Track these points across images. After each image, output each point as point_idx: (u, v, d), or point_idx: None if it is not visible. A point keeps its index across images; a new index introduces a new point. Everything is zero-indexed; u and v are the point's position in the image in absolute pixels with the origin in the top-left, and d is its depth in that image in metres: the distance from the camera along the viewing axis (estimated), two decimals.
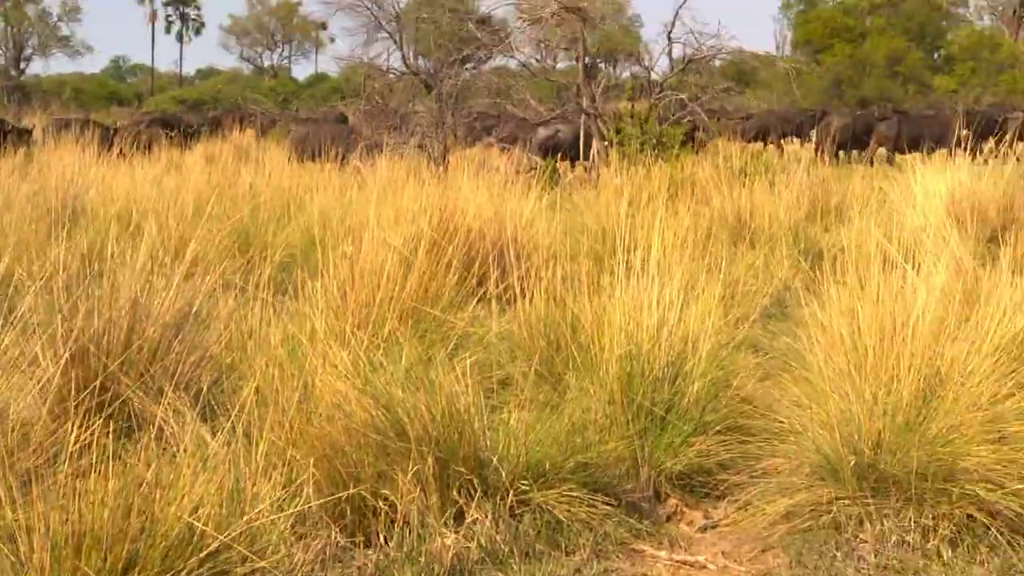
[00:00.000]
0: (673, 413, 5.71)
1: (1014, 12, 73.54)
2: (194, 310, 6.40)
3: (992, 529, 4.93)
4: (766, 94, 52.97)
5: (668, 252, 6.60)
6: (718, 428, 5.73)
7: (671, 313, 5.98)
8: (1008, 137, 20.56)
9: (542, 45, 23.59)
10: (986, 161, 14.47)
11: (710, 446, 5.67)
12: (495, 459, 5.06)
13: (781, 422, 5.64)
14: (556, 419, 5.41)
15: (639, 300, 6.08)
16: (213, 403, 5.53)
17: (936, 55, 60.39)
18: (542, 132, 22.95)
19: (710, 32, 22.02)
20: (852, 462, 5.10)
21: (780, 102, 48.79)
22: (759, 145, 31.05)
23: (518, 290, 7.08)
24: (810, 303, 6.38)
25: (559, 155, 22.81)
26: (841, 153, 28.76)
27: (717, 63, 25.72)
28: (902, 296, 6.03)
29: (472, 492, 4.97)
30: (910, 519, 5.00)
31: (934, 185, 13.01)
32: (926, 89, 52.91)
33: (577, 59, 22.64)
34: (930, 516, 4.98)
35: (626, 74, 40.73)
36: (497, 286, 7.52)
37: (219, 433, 4.78)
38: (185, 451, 4.49)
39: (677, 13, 21.82)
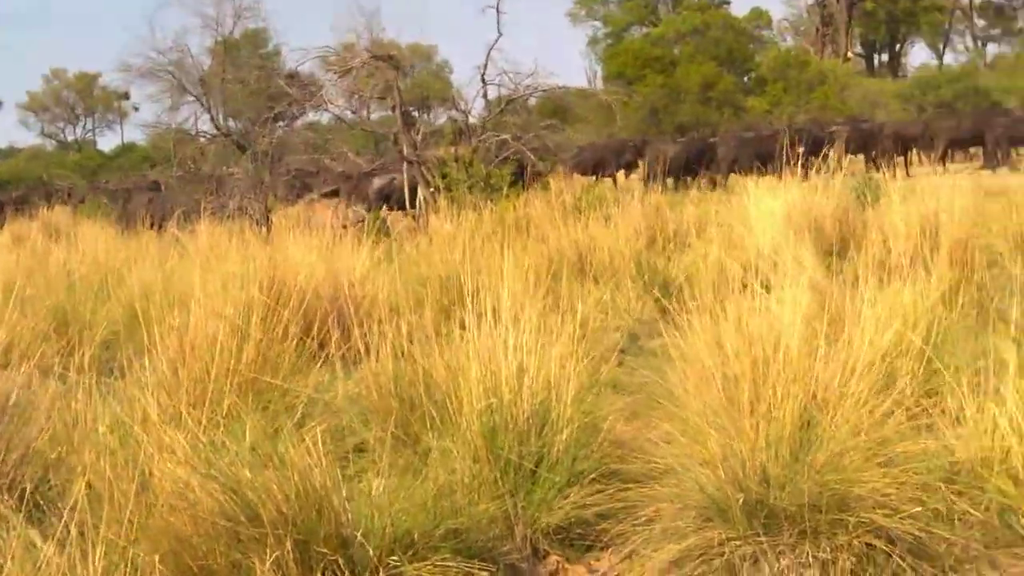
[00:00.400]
0: (543, 465, 5.34)
1: (817, 31, 75.68)
2: (11, 402, 5.85)
3: (894, 556, 4.65)
4: (585, 128, 53.31)
5: (515, 295, 6.26)
6: (592, 476, 5.38)
7: (530, 359, 5.62)
8: (834, 151, 20.77)
9: (355, 96, 23.22)
10: (818, 173, 14.41)
11: (586, 496, 5.31)
12: (359, 535, 4.62)
13: (659, 463, 5.31)
14: (420, 484, 5.01)
15: (494, 348, 5.71)
16: (41, 503, 5.02)
17: (747, 78, 61.50)
18: (377, 182, 22.56)
19: (525, 72, 21.96)
20: (740, 500, 4.78)
21: (599, 134, 49.10)
22: (589, 178, 31.05)
23: (362, 348, 6.68)
24: (668, 334, 6.10)
25: (390, 204, 22.46)
26: (671, 180, 28.91)
27: (532, 101, 25.71)
28: (766, 320, 5.78)
29: (339, 573, 4.53)
30: (807, 554, 4.69)
31: (770, 205, 12.94)
32: (740, 111, 53.74)
33: (393, 108, 22.29)
34: (828, 549, 4.68)
35: (442, 120, 40.58)
36: (340, 347, 7.09)
37: (51, 537, 4.27)
38: (13, 560, 3.99)
39: (488, 55, 21.72)
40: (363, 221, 18.36)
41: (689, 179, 29.48)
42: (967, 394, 5.33)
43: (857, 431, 4.88)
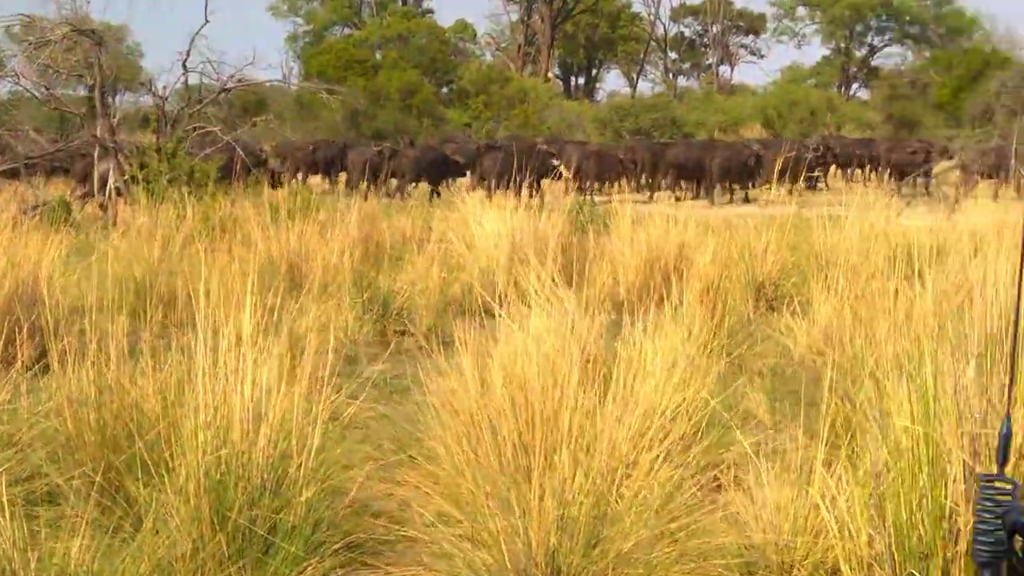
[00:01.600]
0: (279, 532, 4.46)
1: (519, 48, 76.31)
2: None
3: None
4: (279, 125, 51.92)
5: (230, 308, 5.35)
6: (337, 546, 4.53)
7: (269, 398, 4.74)
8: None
9: (50, 71, 21.51)
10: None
11: (329, 570, 4.47)
12: None
13: (421, 536, 4.51)
14: (131, 551, 4.06)
15: (219, 379, 4.80)
16: None
17: (448, 89, 61.37)
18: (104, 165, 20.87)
19: (229, 62, 20.84)
20: None
21: (294, 133, 47.90)
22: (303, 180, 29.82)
23: (55, 363, 5.64)
24: (411, 366, 5.36)
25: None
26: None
27: (229, 94, 24.53)
28: (525, 358, 5.11)
29: None
30: None
31: (495, 225, 12.33)
32: (440, 122, 53.46)
33: (92, 87, 20.75)
34: None
35: (129, 103, 38.55)
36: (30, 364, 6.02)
37: None
38: None
39: (193, 41, 20.53)
40: (42, 206, 16.88)
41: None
42: (762, 464, 4.76)
43: (653, 508, 4.22)
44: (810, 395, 5.98)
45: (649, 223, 11.81)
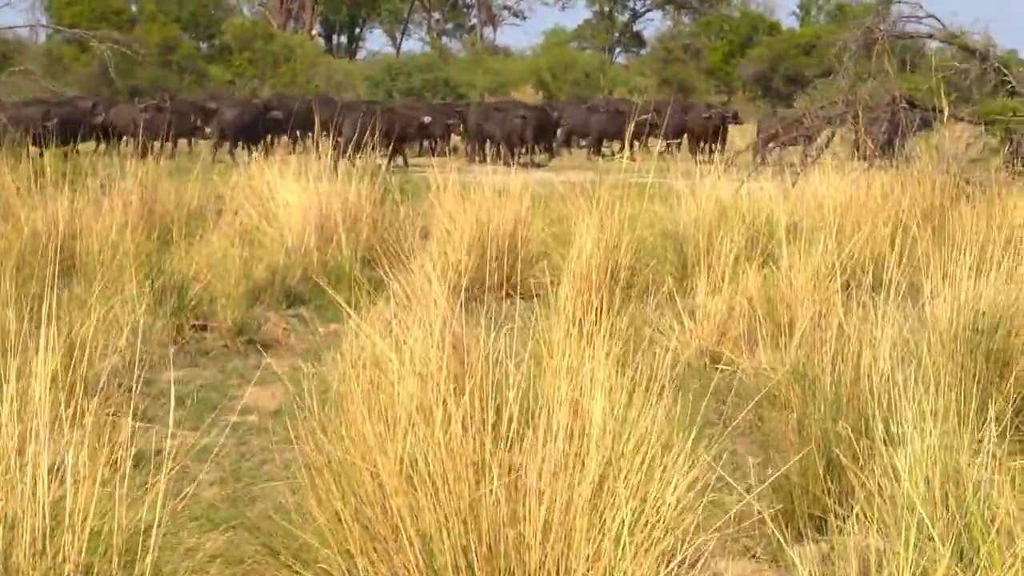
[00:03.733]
0: None
1: (281, 4, 73.63)
2: None
3: None
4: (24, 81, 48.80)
5: None
6: None
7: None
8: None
9: None
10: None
11: None
12: None
13: None
14: None
15: None
16: None
17: (209, 45, 58.69)
18: None
19: None
20: None
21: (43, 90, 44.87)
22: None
23: None
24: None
25: None
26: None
27: None
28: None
29: None
30: None
31: (298, 196, 10.77)
32: (202, 79, 50.97)
33: None
34: None
35: None
36: None
37: None
38: None
39: None
40: None
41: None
42: None
43: None
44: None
45: (475, 192, 10.42)
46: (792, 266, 8.49)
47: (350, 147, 13.08)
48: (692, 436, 4.19)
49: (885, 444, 4.36)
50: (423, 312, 5.09)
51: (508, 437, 3.78)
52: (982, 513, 3.98)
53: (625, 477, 3.65)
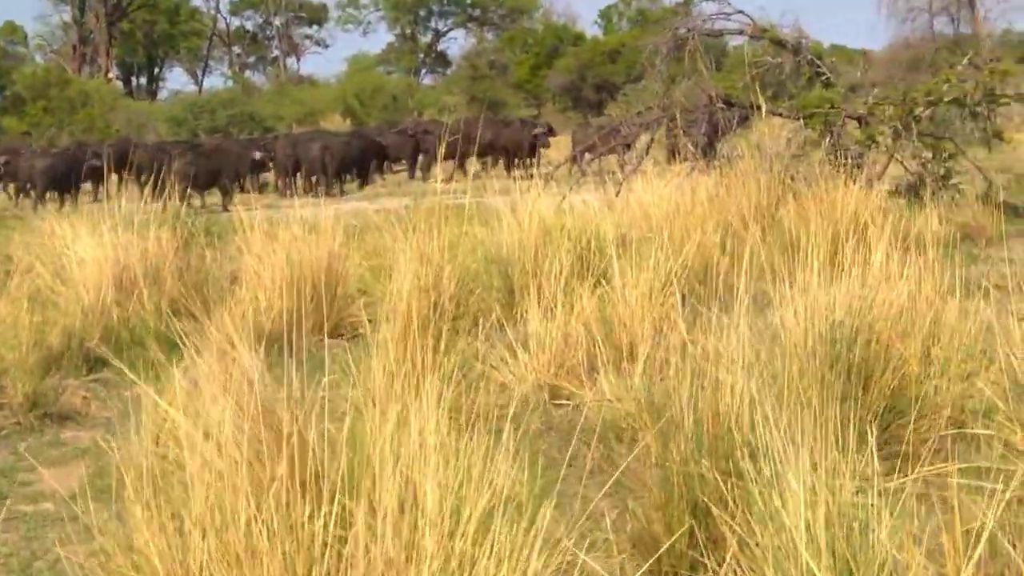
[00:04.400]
0: None
1: (75, 49, 71.56)
2: None
3: None
4: None
5: None
6: None
7: None
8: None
9: None
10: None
11: None
12: None
13: None
14: None
15: None
16: None
17: (2, 95, 56.64)
18: None
19: None
20: None
21: None
22: None
23: None
24: None
25: None
26: None
27: None
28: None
29: None
30: None
31: (92, 250, 9.96)
32: None
33: None
34: None
35: None
36: None
37: None
38: None
39: None
40: None
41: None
42: None
43: None
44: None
45: (284, 229, 9.73)
46: (625, 283, 8.06)
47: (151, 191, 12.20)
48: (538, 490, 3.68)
49: (755, 483, 3.87)
50: (226, 373, 4.47)
51: (329, 529, 3.17)
52: (869, 552, 3.54)
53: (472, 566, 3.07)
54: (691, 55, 13.12)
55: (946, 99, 12.45)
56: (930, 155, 12.39)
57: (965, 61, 13.53)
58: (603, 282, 8.69)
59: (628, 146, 13.32)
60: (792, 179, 11.27)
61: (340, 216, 10.35)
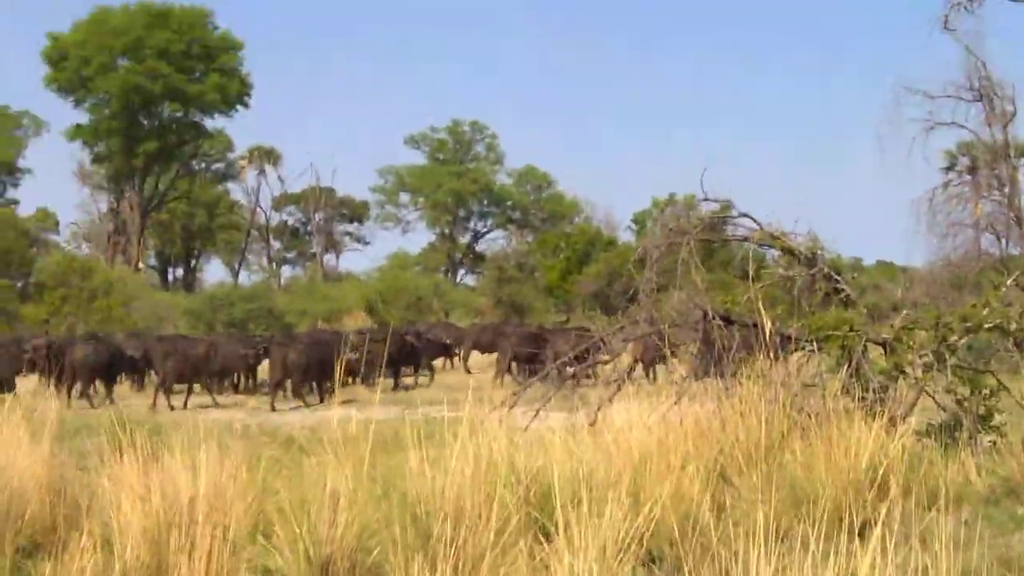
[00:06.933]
0: None
1: (108, 238, 71.18)
2: None
3: None
4: None
5: None
6: None
7: None
8: None
9: None
10: None
11: None
12: None
13: None
14: None
15: None
16: None
17: (25, 282, 55.75)
18: None
19: None
20: None
21: None
22: None
23: None
24: None
25: None
26: None
27: None
28: None
29: None
30: None
31: None
32: (14, 319, 47.93)
33: None
34: None
35: None
36: None
37: None
38: None
39: None
40: None
41: None
42: None
43: None
44: None
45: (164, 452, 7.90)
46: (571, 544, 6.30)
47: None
48: None
49: None
50: None
51: None
52: None
53: None
54: (685, 262, 11.33)
55: (987, 325, 10.53)
56: (967, 391, 10.37)
57: (1010, 282, 11.63)
58: (542, 540, 6.88)
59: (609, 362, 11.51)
60: (801, 413, 9.40)
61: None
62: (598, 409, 10.03)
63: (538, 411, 10.56)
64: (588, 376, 11.54)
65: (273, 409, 20.75)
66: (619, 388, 10.60)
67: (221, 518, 7.51)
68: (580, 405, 10.57)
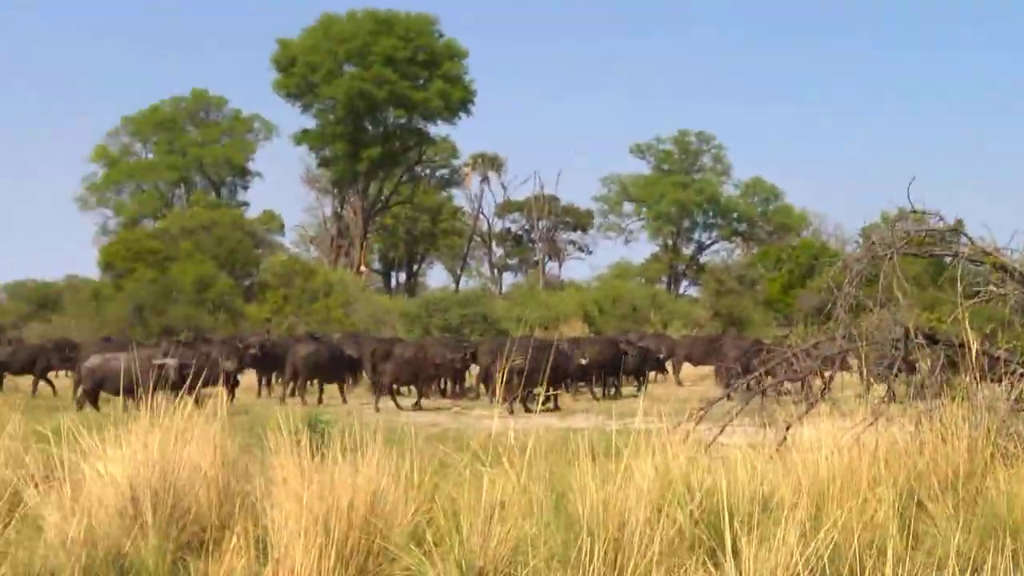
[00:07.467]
0: None
1: (332, 241, 72.71)
2: None
3: None
4: (68, 320, 47.54)
5: None
6: None
7: None
8: None
9: None
10: None
11: None
12: None
13: None
14: None
15: None
16: None
17: (250, 282, 57.26)
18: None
19: None
20: None
21: (83, 331, 43.40)
22: None
23: None
24: None
25: None
26: None
27: None
28: None
29: None
30: None
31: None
32: (238, 317, 49.26)
33: None
34: None
35: None
36: None
37: None
38: None
39: None
40: None
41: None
42: None
43: None
44: None
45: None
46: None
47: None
48: None
49: None
50: None
51: None
52: None
53: None
54: (887, 276, 10.65)
55: None
56: None
57: None
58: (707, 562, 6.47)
59: (803, 382, 10.88)
60: (1007, 438, 8.71)
61: (526, 432, 8.22)
62: (787, 428, 9.51)
63: (723, 428, 10.08)
64: (779, 392, 10.90)
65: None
66: (812, 406, 10.04)
67: (379, 523, 7.28)
68: (769, 422, 10.08)
